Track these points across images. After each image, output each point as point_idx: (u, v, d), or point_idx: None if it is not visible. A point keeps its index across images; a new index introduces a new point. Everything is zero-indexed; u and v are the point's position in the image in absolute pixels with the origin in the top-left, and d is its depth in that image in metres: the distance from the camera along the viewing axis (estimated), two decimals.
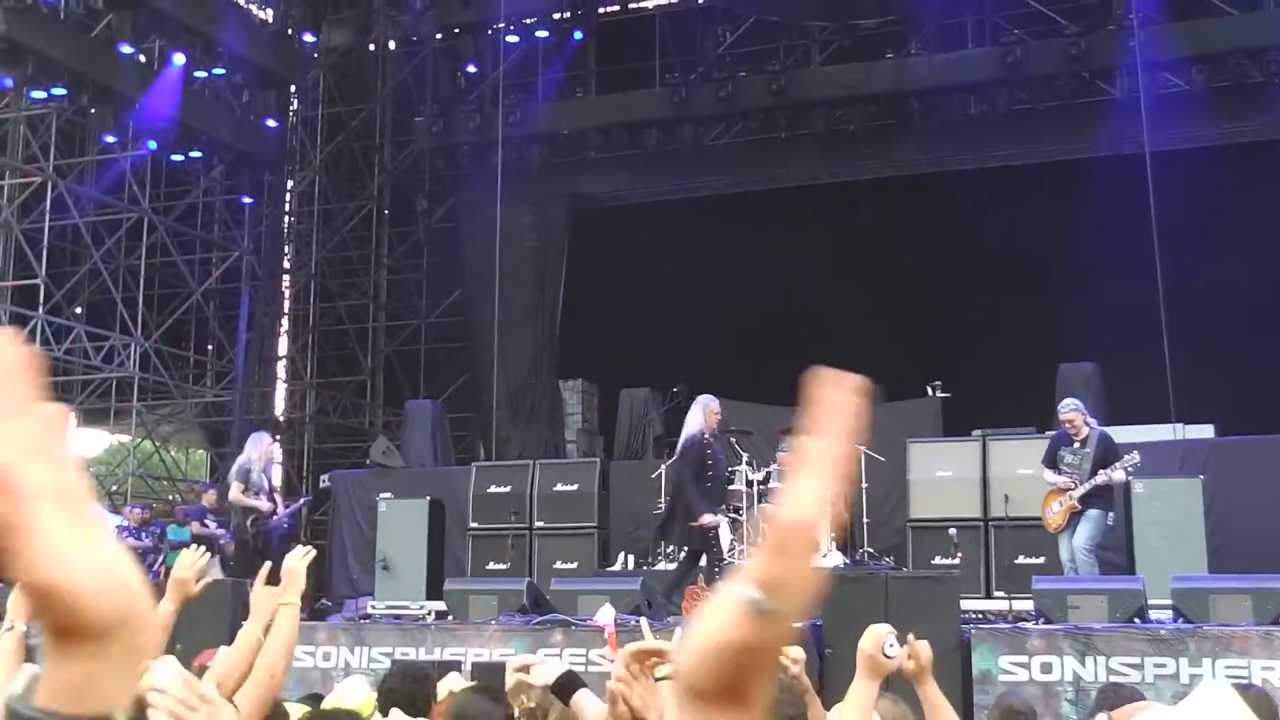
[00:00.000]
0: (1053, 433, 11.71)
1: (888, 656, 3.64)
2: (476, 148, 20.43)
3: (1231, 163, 17.01)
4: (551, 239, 20.73)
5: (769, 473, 13.19)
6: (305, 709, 4.65)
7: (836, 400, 1.14)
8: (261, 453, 13.14)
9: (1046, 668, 8.31)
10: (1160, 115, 16.39)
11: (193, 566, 3.92)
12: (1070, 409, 10.79)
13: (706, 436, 11.28)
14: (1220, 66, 17.17)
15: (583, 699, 3.12)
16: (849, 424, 1.13)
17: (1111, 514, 10.84)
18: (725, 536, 12.07)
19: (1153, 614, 9.31)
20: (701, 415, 11.34)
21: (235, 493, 12.75)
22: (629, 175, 20.50)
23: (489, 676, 5.37)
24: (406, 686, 4.62)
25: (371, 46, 22.73)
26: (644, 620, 3.63)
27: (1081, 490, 10.41)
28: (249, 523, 12.87)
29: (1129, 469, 10.62)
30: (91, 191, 20.91)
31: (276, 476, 13.25)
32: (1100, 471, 10.43)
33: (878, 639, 3.76)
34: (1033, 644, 8.45)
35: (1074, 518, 10.63)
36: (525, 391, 19.93)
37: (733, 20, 19.78)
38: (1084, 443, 10.65)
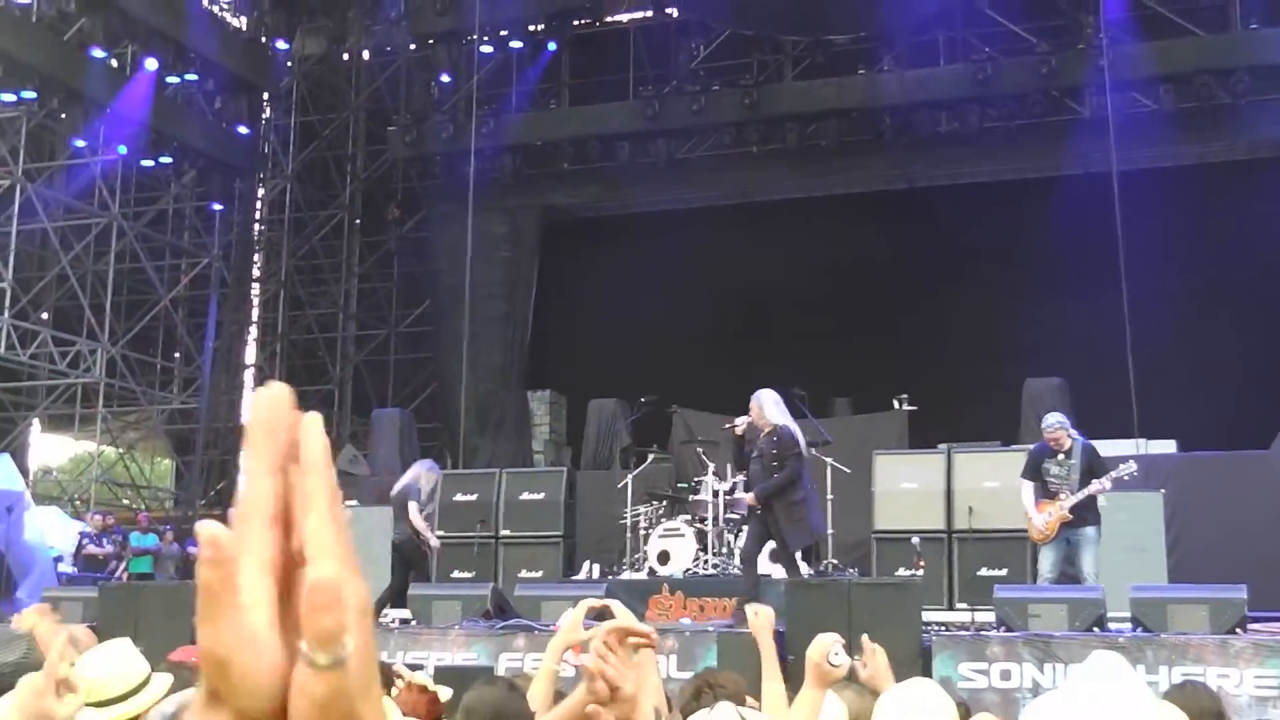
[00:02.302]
0: (1030, 446, 11.67)
1: (833, 665, 3.65)
2: (449, 158, 20.43)
3: (1198, 183, 17.18)
4: (523, 250, 20.74)
5: (734, 484, 13.18)
6: None
7: (280, 424, 1.05)
8: (434, 482, 13.09)
9: (1006, 675, 8.33)
10: (1128, 134, 16.53)
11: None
12: (1056, 425, 10.69)
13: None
14: (1188, 87, 17.34)
15: None
16: (313, 445, 1.04)
17: (1099, 528, 10.71)
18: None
19: (1112, 625, 9.34)
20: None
21: (415, 512, 12.64)
22: (601, 187, 20.54)
23: (454, 681, 5.34)
24: None
25: (345, 55, 22.73)
26: (616, 603, 3.62)
27: (1074, 500, 10.34)
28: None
29: (1126, 477, 10.58)
30: (61, 196, 20.81)
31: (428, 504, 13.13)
32: (1094, 481, 10.39)
33: (824, 647, 3.77)
34: (993, 651, 8.47)
35: (1064, 530, 10.54)
36: (494, 402, 19.91)
37: (706, 34, 19.87)
38: (1068, 454, 10.61)
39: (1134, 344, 14.51)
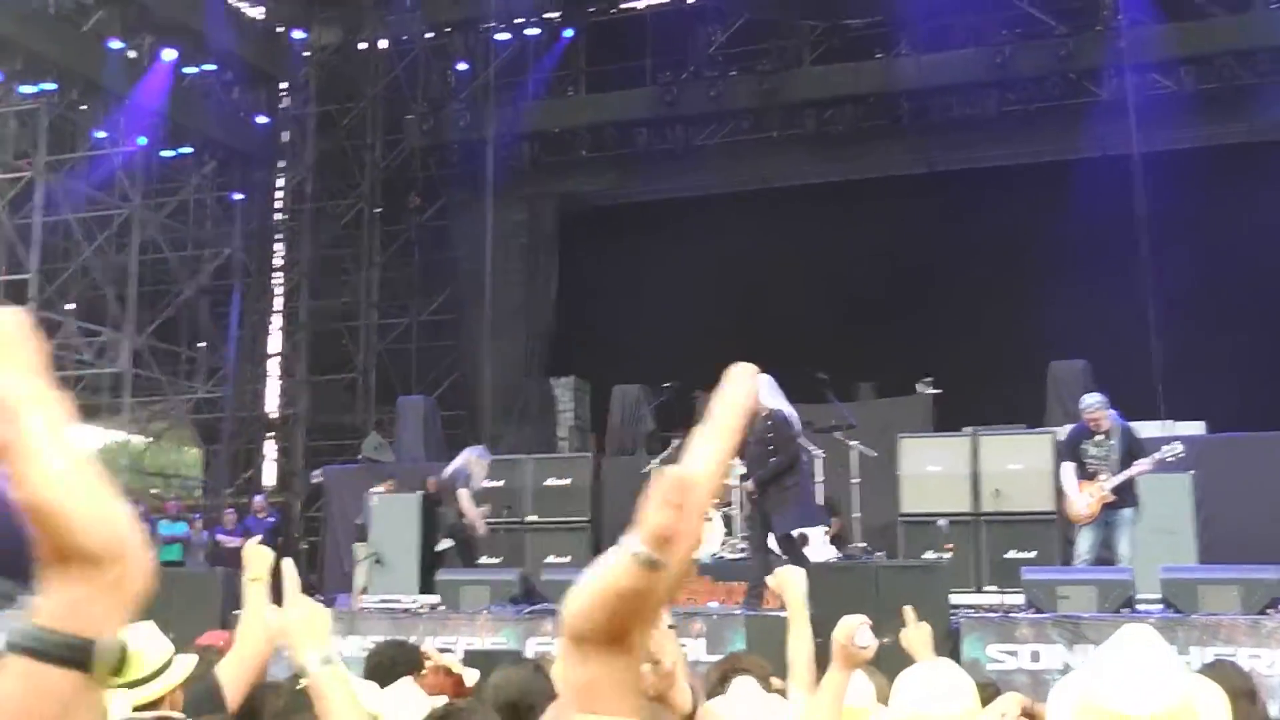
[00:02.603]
0: (1055, 428, 11.67)
1: (860, 647, 3.68)
2: (467, 146, 20.48)
3: (1220, 164, 17.11)
4: (542, 237, 20.78)
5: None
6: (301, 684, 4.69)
7: (740, 385, 1.24)
8: (485, 469, 13.14)
9: (1035, 656, 8.38)
10: (1149, 116, 16.50)
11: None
12: (1095, 406, 10.63)
13: None
14: (1209, 68, 17.30)
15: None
16: (748, 403, 1.24)
17: (1137, 510, 10.65)
18: None
19: (1142, 605, 9.36)
20: None
21: (466, 498, 12.70)
22: (619, 174, 20.56)
23: (482, 665, 5.40)
24: (392, 660, 4.64)
25: (362, 45, 22.73)
26: None
27: (1116, 481, 10.29)
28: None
29: (1170, 459, 10.54)
30: (82, 187, 20.87)
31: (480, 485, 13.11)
32: (1137, 461, 10.35)
33: (850, 629, 3.80)
34: (1022, 632, 8.51)
35: (1104, 512, 10.49)
36: (517, 389, 19.97)
37: (723, 20, 19.85)
38: (1107, 435, 10.56)
39: (1158, 325, 14.53)
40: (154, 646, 3.73)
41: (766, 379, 10.71)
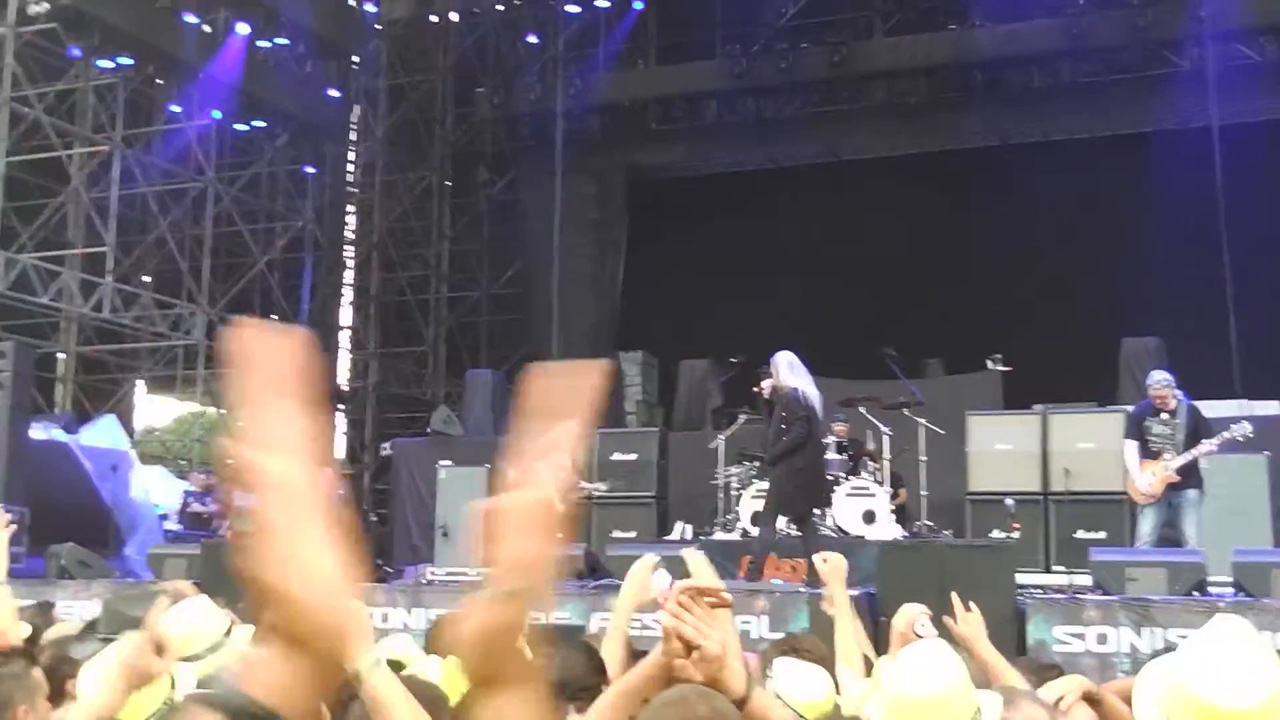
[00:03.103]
0: (1128, 406, 11.50)
1: (919, 636, 3.65)
2: (537, 119, 20.50)
3: None
4: (611, 210, 20.76)
5: (826, 444, 13.15)
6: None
7: (573, 386, 1.22)
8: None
9: (1102, 639, 8.25)
10: (1229, 87, 16.14)
11: None
12: (1163, 383, 10.47)
13: None
14: None
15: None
16: (585, 408, 1.21)
17: (1202, 491, 10.49)
18: None
19: (1213, 589, 9.21)
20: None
21: None
22: (688, 147, 20.49)
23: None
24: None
25: (433, 18, 22.78)
26: (692, 553, 3.65)
27: (1180, 461, 10.14)
28: None
29: (1240, 438, 10.36)
30: (158, 161, 21.16)
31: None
32: (1203, 442, 10.19)
33: (910, 618, 3.76)
34: (1089, 615, 8.38)
35: (1167, 492, 10.35)
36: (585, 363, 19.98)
37: None
38: (1173, 414, 10.39)
39: (1235, 302, 14.25)
40: (210, 620, 3.78)
41: (787, 356, 10.79)
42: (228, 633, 3.77)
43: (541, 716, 1.19)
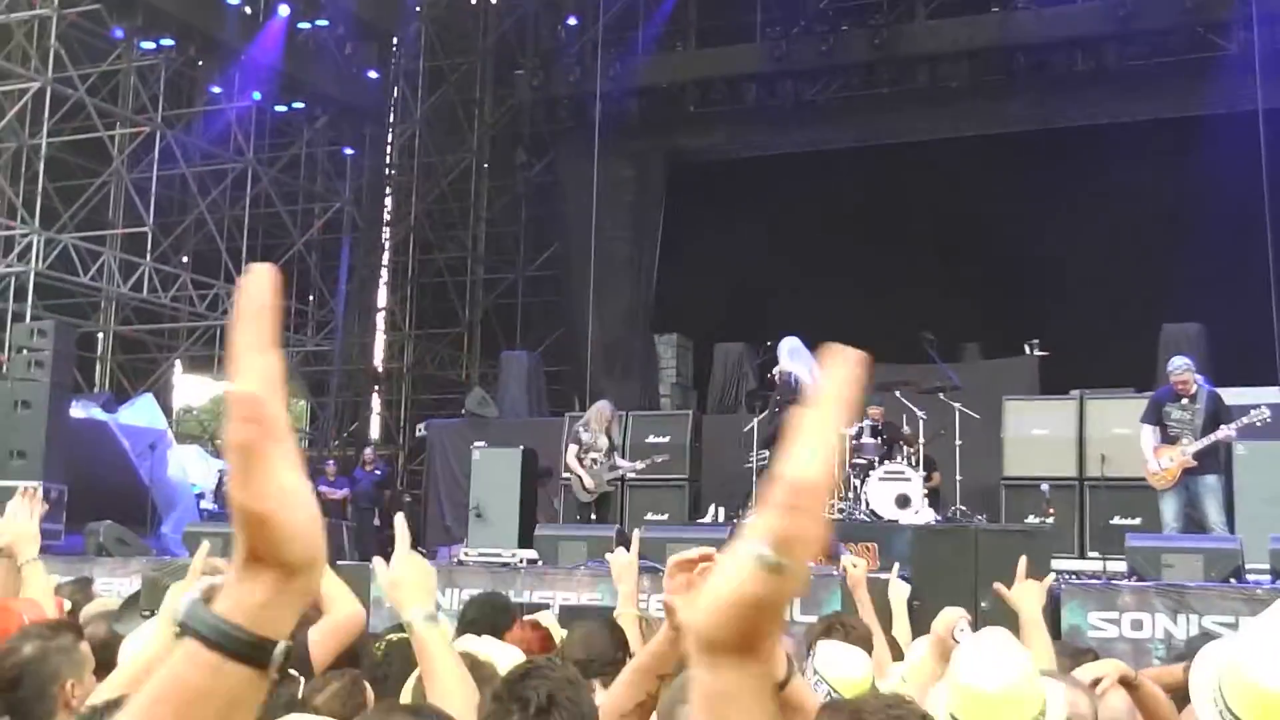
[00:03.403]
0: (1154, 391, 11.47)
1: (957, 642, 3.61)
2: (575, 101, 20.46)
3: None
4: (649, 193, 20.71)
5: (860, 428, 13.10)
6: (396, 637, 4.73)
7: (842, 372, 1.20)
8: (593, 416, 13.17)
9: (1137, 625, 8.18)
10: (1277, 72, 15.89)
11: None
12: (1183, 368, 10.47)
13: None
14: None
15: None
16: (850, 394, 1.19)
17: (1221, 476, 10.56)
18: None
19: (1251, 576, 9.11)
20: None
21: (570, 455, 12.87)
22: (727, 130, 20.40)
23: (576, 619, 5.41)
24: (487, 615, 4.67)
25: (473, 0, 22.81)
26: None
27: (1198, 446, 10.12)
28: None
29: (1258, 423, 10.33)
30: (198, 142, 21.28)
31: (598, 438, 13.01)
32: (1222, 426, 10.15)
33: (949, 623, 3.72)
34: (1124, 600, 8.31)
35: (1184, 477, 10.33)
36: (620, 345, 19.99)
37: None
38: (1193, 399, 10.37)
39: (1278, 289, 14.07)
40: None
41: (788, 342, 10.89)
42: None
43: (768, 705, 1.17)
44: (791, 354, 11.12)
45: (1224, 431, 10.18)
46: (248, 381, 1.10)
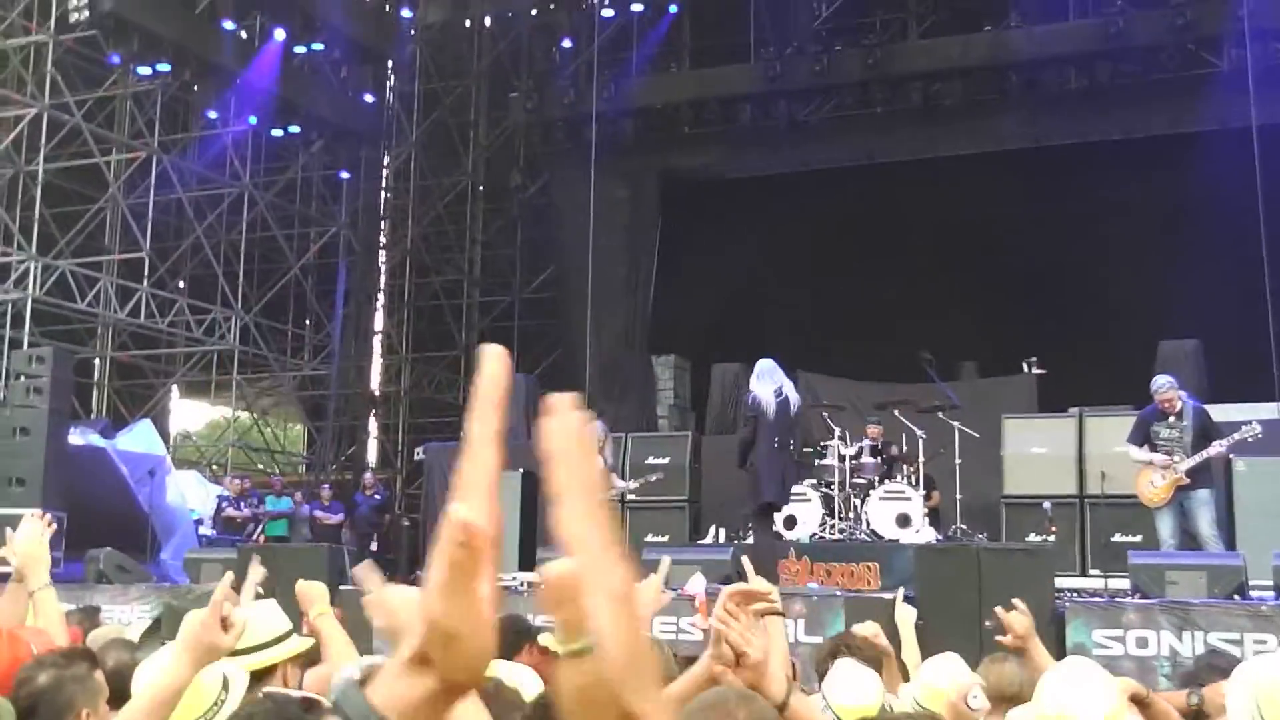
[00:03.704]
0: (1140, 411, 11.50)
1: (971, 708, 3.61)
2: (570, 123, 20.49)
3: None
4: (644, 214, 20.74)
5: (860, 448, 13.12)
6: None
7: (563, 432, 1.20)
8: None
9: (1142, 642, 8.17)
10: (1269, 88, 15.95)
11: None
12: (1167, 386, 10.55)
13: None
14: None
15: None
16: (584, 457, 1.19)
17: (1213, 490, 10.61)
18: None
19: (1254, 592, 9.11)
20: None
21: None
22: (722, 150, 20.43)
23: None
24: (508, 638, 4.65)
25: (467, 22, 22.84)
26: (745, 560, 3.72)
27: (1190, 463, 10.17)
28: None
29: (1249, 439, 10.37)
30: (194, 166, 21.31)
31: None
32: (1213, 443, 10.20)
33: (962, 690, 3.72)
34: (1128, 618, 8.30)
35: (1178, 494, 10.38)
36: (617, 366, 20.00)
37: None
38: (1179, 416, 10.44)
39: (1275, 304, 14.09)
40: (270, 620, 3.76)
41: (761, 364, 11.17)
42: (282, 637, 3.75)
43: None
44: (759, 375, 11.42)
45: (1215, 448, 10.25)
46: (473, 510, 1.11)
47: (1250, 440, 10.35)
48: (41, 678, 3.05)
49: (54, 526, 4.23)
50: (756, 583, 3.92)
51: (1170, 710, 3.49)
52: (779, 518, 12.91)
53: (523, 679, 3.42)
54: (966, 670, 3.49)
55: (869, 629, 5.29)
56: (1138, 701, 3.50)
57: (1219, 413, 11.47)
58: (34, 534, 3.98)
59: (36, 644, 3.40)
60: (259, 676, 3.57)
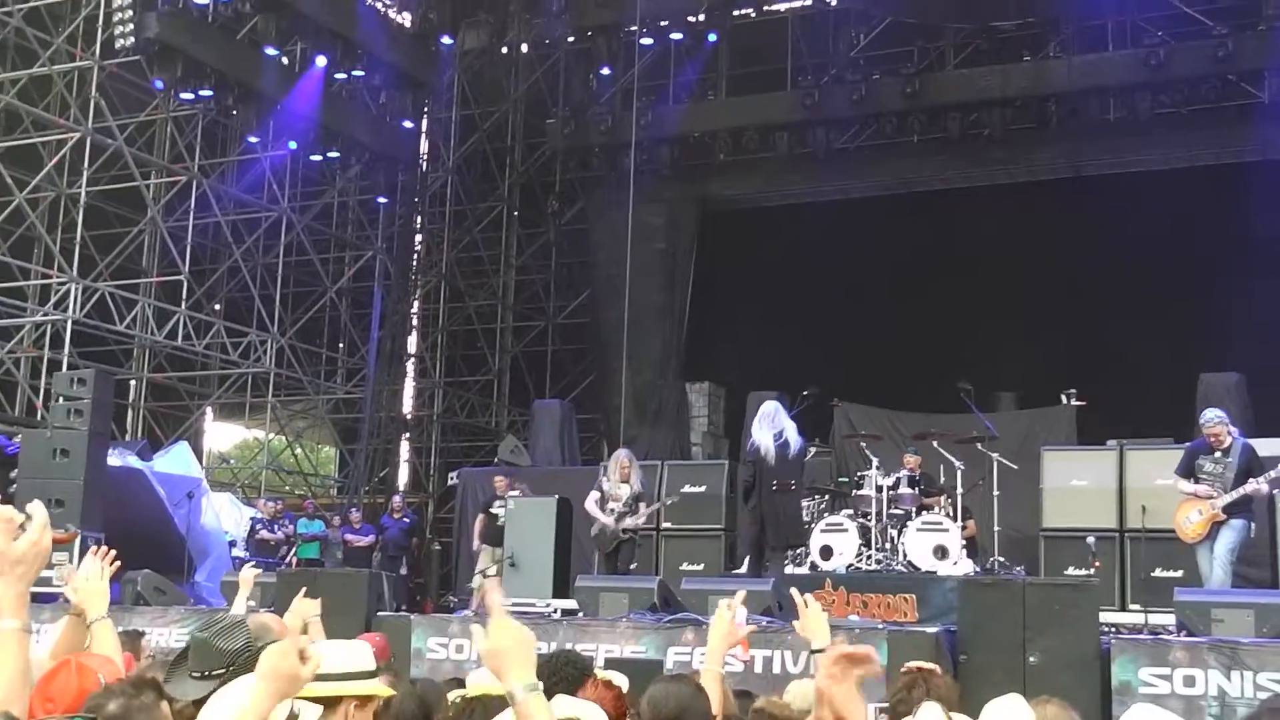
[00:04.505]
0: (1189, 443, 11.42)
1: None
2: (607, 150, 20.54)
3: None
4: (681, 241, 20.74)
5: (898, 478, 13.05)
6: (460, 692, 4.67)
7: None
8: (612, 466, 12.98)
9: (1190, 681, 8.06)
10: None
11: None
12: (1216, 421, 10.46)
13: None
14: None
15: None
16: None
17: (1253, 525, 10.52)
18: None
19: None
20: None
21: (589, 501, 12.78)
22: (760, 178, 20.45)
23: (624, 672, 5.36)
24: (568, 676, 4.59)
25: (505, 49, 22.95)
26: (795, 592, 3.71)
27: (1227, 499, 10.09)
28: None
29: None
30: (233, 190, 21.44)
31: (617, 487, 12.78)
32: (1250, 480, 10.11)
33: None
34: (1175, 656, 8.20)
35: (1215, 528, 10.31)
36: (652, 393, 19.98)
37: (867, 22, 19.62)
38: (1226, 452, 10.34)
39: None
40: (357, 654, 3.71)
41: (764, 407, 11.36)
42: (359, 674, 3.69)
43: None
44: (760, 420, 11.60)
45: (1254, 485, 10.14)
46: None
47: None
48: (111, 706, 3.06)
49: (117, 564, 4.27)
50: (861, 649, 3.86)
51: None
52: (815, 547, 12.86)
53: (590, 713, 3.39)
54: (1029, 715, 3.43)
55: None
56: None
57: (1261, 447, 11.36)
58: (94, 571, 4.05)
59: (104, 673, 3.40)
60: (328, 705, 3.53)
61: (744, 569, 13.86)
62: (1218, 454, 10.33)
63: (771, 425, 11.45)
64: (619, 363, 18.90)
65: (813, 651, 4.16)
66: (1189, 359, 15.44)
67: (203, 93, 18.54)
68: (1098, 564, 11.61)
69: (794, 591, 4.57)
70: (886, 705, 4.15)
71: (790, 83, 19.84)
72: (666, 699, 3.62)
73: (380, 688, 3.71)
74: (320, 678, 3.57)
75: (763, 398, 17.44)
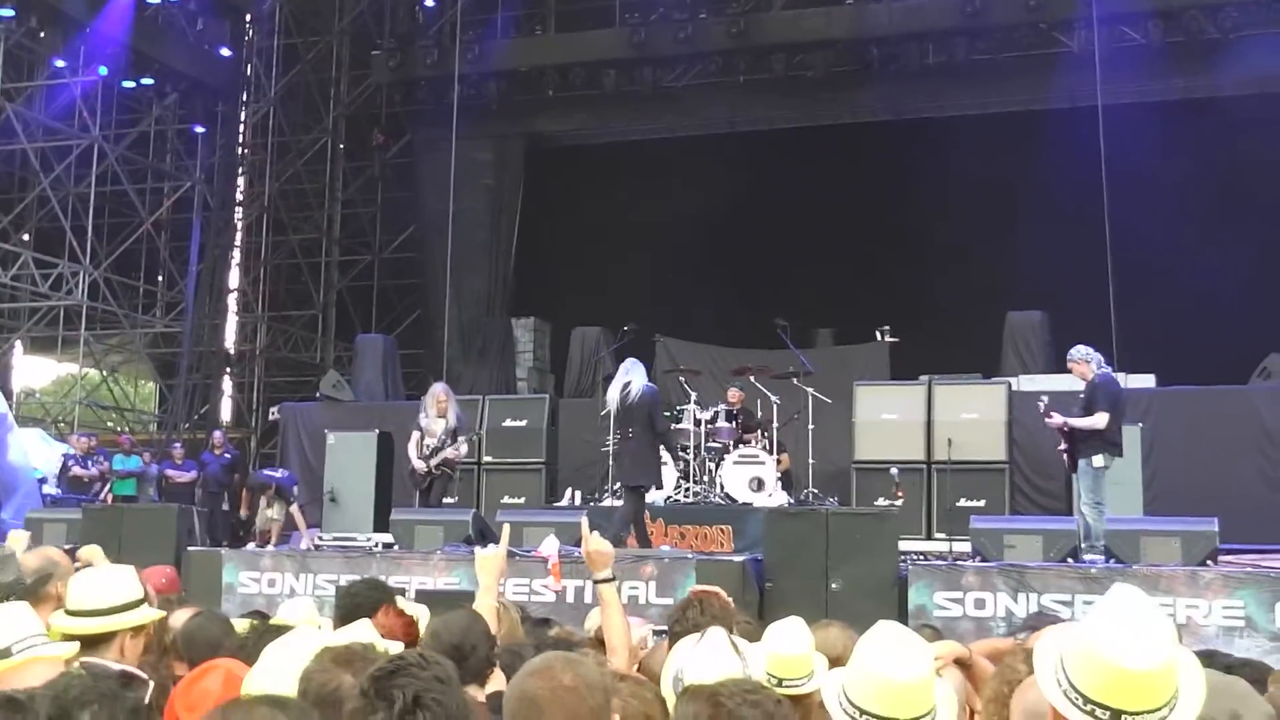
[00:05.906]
0: (1005, 378, 11.66)
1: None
2: (434, 83, 20.26)
3: (1184, 117, 17.10)
4: (508, 177, 20.65)
5: (716, 412, 13.29)
6: (251, 622, 4.65)
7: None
8: (429, 400, 12.58)
9: (980, 603, 8.46)
10: (1115, 69, 16.46)
11: None
12: (1070, 358, 10.30)
13: None
14: (1176, 22, 17.22)
15: None
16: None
17: (1095, 458, 10.20)
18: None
19: (1087, 556, 9.46)
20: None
21: (410, 444, 12.39)
22: (587, 115, 20.42)
23: (433, 604, 5.41)
24: (373, 594, 4.61)
25: None
26: (584, 521, 3.97)
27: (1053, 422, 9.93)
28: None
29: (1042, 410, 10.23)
30: (41, 117, 20.60)
31: (434, 422, 12.43)
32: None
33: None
34: (968, 580, 8.58)
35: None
36: (477, 328, 19.93)
37: None
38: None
39: (1115, 278, 14.59)
40: (122, 585, 3.67)
41: (623, 364, 11.59)
42: (129, 605, 3.64)
43: None
44: (617, 375, 11.57)
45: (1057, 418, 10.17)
46: None
47: (1042, 412, 10.15)
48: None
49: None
50: (595, 541, 4.06)
51: (989, 668, 3.63)
52: None
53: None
54: (808, 635, 3.54)
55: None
56: (960, 663, 3.64)
57: (1060, 382, 11.83)
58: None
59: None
60: (92, 643, 3.49)
61: (564, 502, 14.02)
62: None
63: (622, 377, 11.45)
64: (445, 298, 18.79)
65: (596, 581, 4.28)
66: (997, 297, 16.00)
67: (4, 13, 17.73)
68: (901, 494, 12.02)
69: (582, 522, 4.69)
70: (665, 629, 4.28)
71: (618, 19, 19.79)
72: (448, 628, 3.69)
73: (149, 613, 3.70)
74: (89, 614, 3.55)
75: (586, 333, 17.64)
